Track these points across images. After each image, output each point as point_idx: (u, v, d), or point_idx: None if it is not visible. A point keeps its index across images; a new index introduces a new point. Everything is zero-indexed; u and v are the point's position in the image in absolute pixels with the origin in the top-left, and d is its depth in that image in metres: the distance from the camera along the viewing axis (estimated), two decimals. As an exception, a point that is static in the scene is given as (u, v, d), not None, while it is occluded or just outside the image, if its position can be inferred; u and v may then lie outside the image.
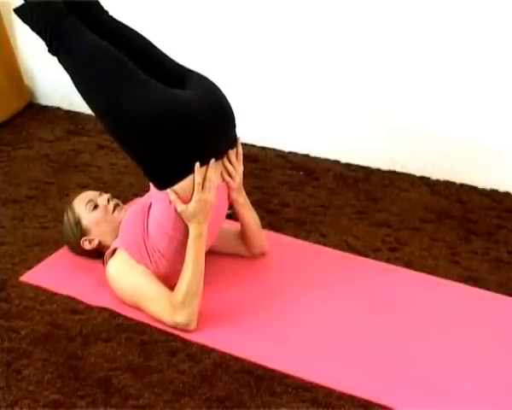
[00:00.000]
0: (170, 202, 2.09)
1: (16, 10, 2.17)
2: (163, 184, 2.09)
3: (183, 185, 2.07)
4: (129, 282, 2.16)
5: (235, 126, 2.21)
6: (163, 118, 2.03)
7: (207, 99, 2.12)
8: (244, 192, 2.32)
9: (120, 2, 3.40)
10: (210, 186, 2.09)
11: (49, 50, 2.16)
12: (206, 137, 2.08)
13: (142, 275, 2.15)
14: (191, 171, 2.06)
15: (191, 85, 2.15)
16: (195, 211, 2.07)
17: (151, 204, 2.18)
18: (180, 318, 2.07)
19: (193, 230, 2.09)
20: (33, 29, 2.17)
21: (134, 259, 2.17)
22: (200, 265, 2.09)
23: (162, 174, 2.09)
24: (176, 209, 2.08)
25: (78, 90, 2.15)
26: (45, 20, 2.13)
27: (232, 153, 2.20)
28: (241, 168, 2.25)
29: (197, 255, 2.09)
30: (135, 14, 3.41)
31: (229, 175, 2.21)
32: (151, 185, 2.17)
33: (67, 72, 2.16)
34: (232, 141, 2.21)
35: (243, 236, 2.41)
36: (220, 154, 2.15)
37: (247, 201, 2.35)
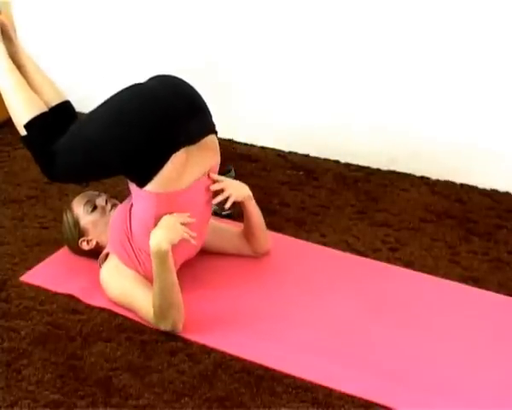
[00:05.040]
0: (151, 200, 2.08)
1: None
2: (142, 180, 2.07)
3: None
4: (117, 289, 2.18)
5: (206, 111, 2.19)
6: (130, 111, 2.07)
7: (166, 86, 2.14)
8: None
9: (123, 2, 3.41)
10: (183, 232, 2.09)
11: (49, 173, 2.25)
12: (173, 120, 2.06)
13: (129, 282, 2.16)
14: (166, 158, 2.04)
15: (148, 82, 2.20)
16: (161, 224, 2.07)
17: (132, 205, 2.18)
18: (163, 326, 2.08)
19: (150, 242, 2.06)
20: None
21: (124, 262, 2.19)
22: (165, 279, 2.05)
23: (139, 170, 2.07)
24: (156, 206, 2.08)
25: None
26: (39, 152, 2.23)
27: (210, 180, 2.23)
28: (229, 183, 2.27)
29: (159, 272, 2.05)
30: (132, 14, 3.42)
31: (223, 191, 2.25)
32: (130, 187, 2.16)
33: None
34: (206, 127, 2.18)
35: (248, 232, 2.41)
36: (194, 139, 2.12)
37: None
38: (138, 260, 2.18)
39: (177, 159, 2.06)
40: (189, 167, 2.10)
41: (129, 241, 2.18)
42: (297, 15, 3.06)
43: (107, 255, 2.25)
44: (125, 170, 2.11)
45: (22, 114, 2.22)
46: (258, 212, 2.39)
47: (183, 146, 2.07)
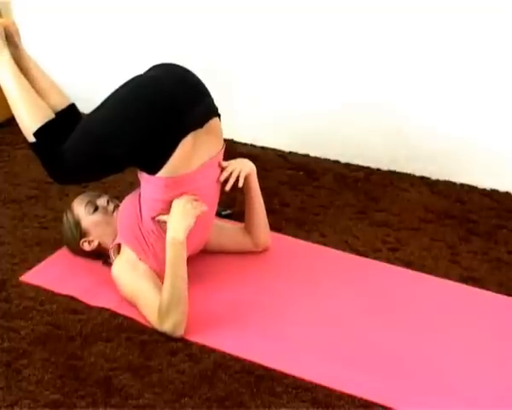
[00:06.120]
0: (160, 185, 2.11)
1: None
2: (153, 169, 2.10)
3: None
4: (127, 284, 2.18)
5: (209, 95, 2.20)
6: (135, 101, 2.08)
7: (169, 73, 2.15)
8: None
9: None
10: (196, 210, 2.12)
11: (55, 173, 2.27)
12: (179, 108, 2.08)
13: (139, 279, 2.16)
14: (175, 145, 2.06)
15: (150, 71, 2.21)
16: (174, 211, 2.09)
17: (141, 194, 2.20)
18: (166, 326, 2.07)
19: (167, 234, 2.09)
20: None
21: (133, 249, 2.20)
22: (178, 274, 2.07)
23: (149, 159, 2.09)
24: (165, 189, 2.10)
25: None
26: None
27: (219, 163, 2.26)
28: (233, 162, 2.29)
29: (173, 263, 2.07)
30: (131, 13, 3.42)
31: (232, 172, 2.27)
32: (139, 174, 2.18)
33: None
34: (211, 110, 2.19)
35: (250, 219, 2.42)
36: (201, 123, 2.13)
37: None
38: (147, 244, 2.19)
39: (186, 144, 2.08)
40: (196, 151, 2.12)
41: (138, 226, 2.20)
42: (297, 16, 3.06)
43: (118, 247, 2.26)
44: (135, 161, 2.13)
45: (30, 121, 2.22)
46: (261, 201, 2.41)
47: (191, 131, 2.09)
